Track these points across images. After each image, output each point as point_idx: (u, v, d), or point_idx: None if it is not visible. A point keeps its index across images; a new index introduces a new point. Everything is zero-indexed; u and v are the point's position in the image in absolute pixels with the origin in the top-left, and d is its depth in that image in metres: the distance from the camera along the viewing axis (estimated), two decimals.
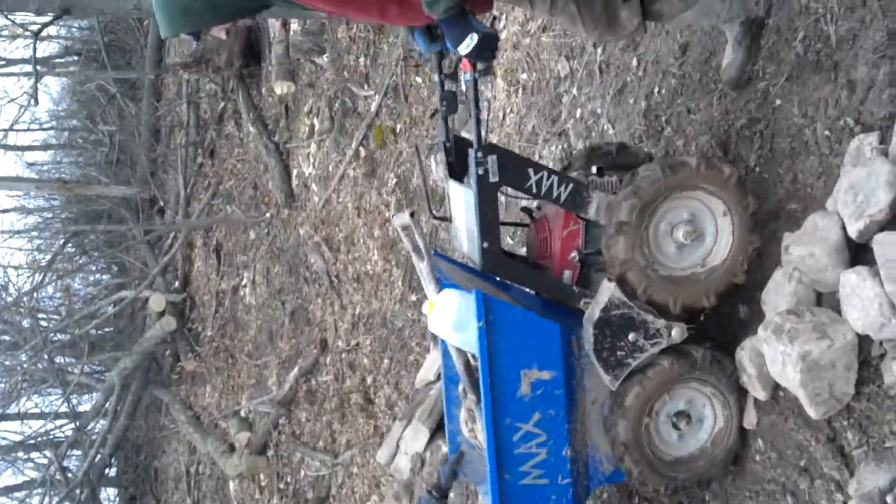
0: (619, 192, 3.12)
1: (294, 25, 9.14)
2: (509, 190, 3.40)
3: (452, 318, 3.16)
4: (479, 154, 3.05)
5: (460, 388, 3.53)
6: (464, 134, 4.07)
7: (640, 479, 3.28)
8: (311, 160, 9.46)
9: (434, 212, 3.77)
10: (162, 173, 15.25)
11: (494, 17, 5.83)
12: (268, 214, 10.81)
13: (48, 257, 16.75)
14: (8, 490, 17.88)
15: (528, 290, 3.59)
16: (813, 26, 3.24)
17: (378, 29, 7.67)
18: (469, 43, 2.83)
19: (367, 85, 7.99)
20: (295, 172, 10.04)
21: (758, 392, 3.16)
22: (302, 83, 9.60)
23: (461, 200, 3.28)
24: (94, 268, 19.44)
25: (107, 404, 14.03)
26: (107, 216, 16.60)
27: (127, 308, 15.25)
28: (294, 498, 9.18)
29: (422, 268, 3.43)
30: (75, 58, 18.90)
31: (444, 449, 6.19)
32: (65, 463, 14.93)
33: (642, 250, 3.10)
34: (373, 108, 7.74)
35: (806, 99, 3.22)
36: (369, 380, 7.68)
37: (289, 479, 9.40)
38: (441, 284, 3.36)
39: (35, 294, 15.78)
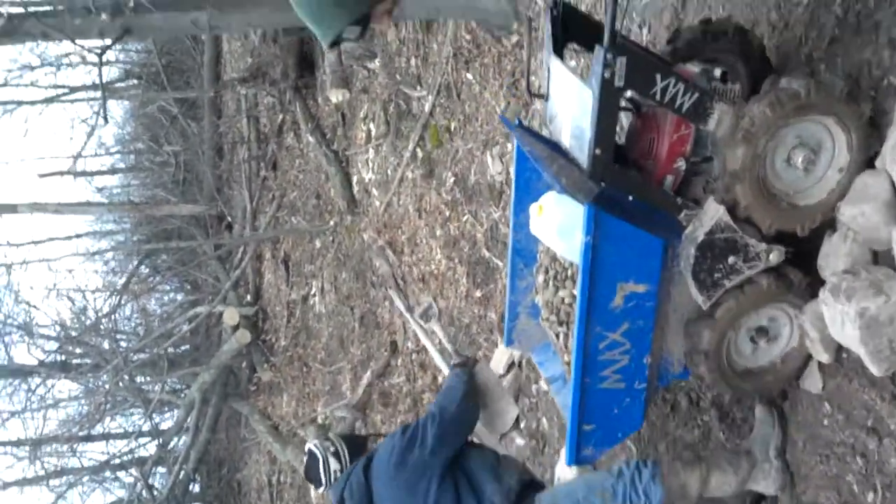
0: (737, 113, 2.85)
1: None
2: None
3: (558, 222, 3.08)
4: (609, 55, 2.64)
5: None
6: None
7: (710, 385, 3.28)
8: (370, 165, 9.56)
9: (531, 89, 3.43)
10: (227, 189, 15.53)
11: None
12: (331, 222, 10.95)
13: (123, 279, 17.14)
14: None
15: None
16: None
17: (427, 28, 7.71)
18: None
19: (419, 86, 8.03)
20: (355, 179, 10.16)
21: (821, 355, 3.13)
22: (356, 89, 9.69)
23: (572, 90, 2.98)
24: (168, 287, 19.82)
25: (188, 420, 14.30)
26: (177, 235, 16.94)
27: (202, 324, 15.57)
28: None
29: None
30: (135, 81, 19.35)
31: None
32: (150, 480, 15.23)
33: (758, 174, 2.89)
34: (427, 109, 7.76)
35: (849, 61, 3.18)
36: (440, 378, 7.71)
37: None
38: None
39: (113, 316, 16.19)
